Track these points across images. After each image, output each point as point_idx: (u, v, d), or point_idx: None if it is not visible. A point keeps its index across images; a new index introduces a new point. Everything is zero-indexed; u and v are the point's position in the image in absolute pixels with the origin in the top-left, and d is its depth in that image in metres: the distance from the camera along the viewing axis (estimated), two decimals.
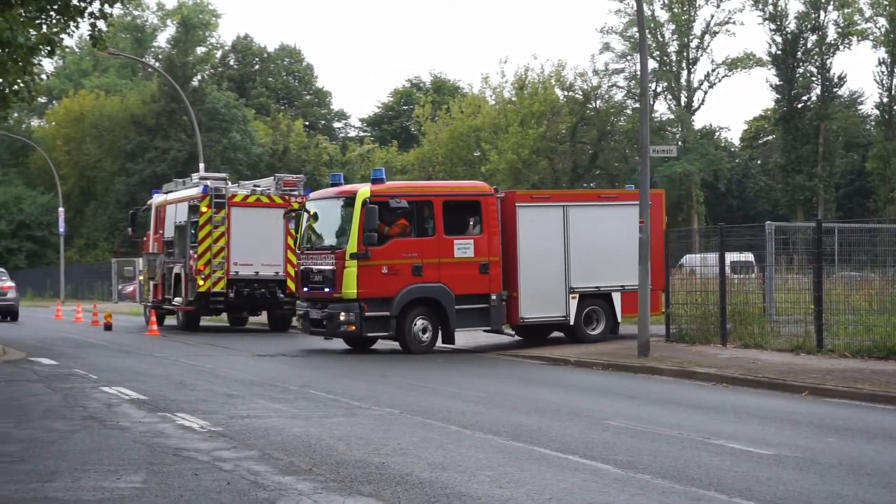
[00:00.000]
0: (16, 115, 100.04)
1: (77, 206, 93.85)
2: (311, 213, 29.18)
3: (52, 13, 28.82)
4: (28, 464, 11.87)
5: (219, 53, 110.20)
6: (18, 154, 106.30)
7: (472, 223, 28.97)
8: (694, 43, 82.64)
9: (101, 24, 29.51)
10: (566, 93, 77.54)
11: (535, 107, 71.60)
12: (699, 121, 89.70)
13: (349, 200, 27.73)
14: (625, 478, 11.63)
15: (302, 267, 29.16)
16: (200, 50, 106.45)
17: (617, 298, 29.75)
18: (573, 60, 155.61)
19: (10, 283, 52.07)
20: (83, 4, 28.95)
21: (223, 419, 15.50)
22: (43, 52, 28.33)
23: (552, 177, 76.02)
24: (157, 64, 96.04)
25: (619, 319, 29.99)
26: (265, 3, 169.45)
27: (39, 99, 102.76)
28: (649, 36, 75.39)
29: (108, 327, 38.75)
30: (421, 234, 28.03)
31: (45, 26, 28.32)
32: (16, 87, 27.99)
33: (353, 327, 27.32)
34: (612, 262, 29.34)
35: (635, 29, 76.03)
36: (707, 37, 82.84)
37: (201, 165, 46.90)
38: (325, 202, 29.61)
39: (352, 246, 26.99)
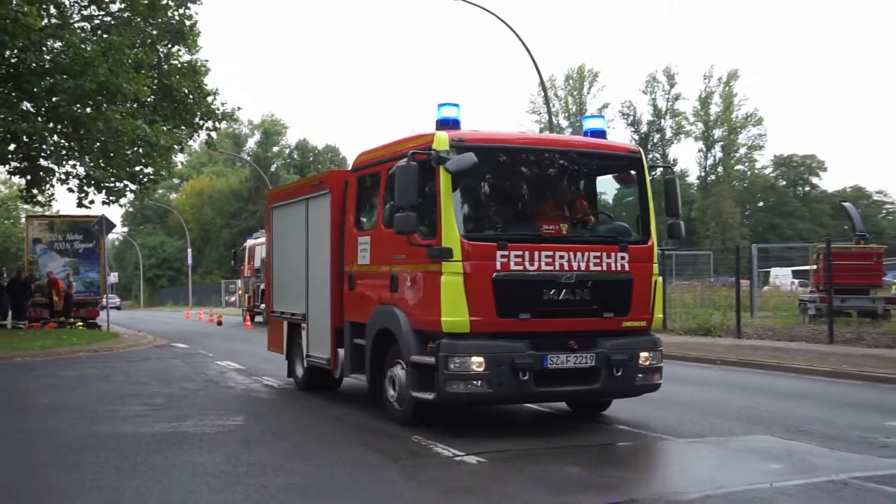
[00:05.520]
0: (160, 191, 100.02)
1: (199, 248, 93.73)
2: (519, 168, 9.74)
3: (182, 127, 29.09)
4: (171, 410, 11.79)
5: (287, 150, 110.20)
6: (162, 216, 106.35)
7: None
8: None
9: (213, 133, 29.91)
10: None
11: None
12: None
13: (628, 161, 10.12)
14: None
15: (512, 274, 9.06)
16: (275, 148, 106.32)
17: None
18: None
19: (117, 299, 73.96)
20: (202, 122, 29.30)
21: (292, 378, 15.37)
22: (176, 150, 28.51)
23: None
24: (248, 157, 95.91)
25: None
26: (319, 115, 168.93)
27: (174, 180, 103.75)
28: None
29: (219, 324, 38.34)
30: None
31: (178, 134, 28.52)
32: (163, 172, 28.10)
33: (659, 377, 9.98)
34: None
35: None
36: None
37: None
38: (564, 155, 9.81)
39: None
